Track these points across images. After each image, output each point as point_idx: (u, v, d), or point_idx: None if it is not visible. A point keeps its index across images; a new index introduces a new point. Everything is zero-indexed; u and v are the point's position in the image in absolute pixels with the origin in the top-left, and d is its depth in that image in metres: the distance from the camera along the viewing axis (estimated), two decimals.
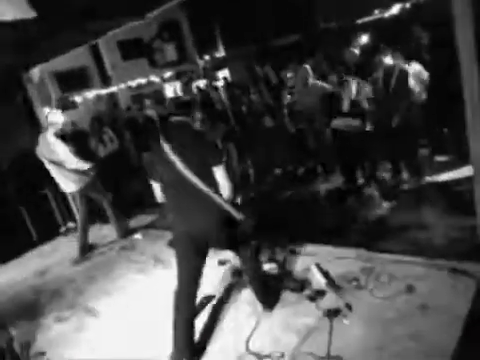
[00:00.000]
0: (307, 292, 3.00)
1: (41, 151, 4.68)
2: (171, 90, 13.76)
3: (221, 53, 14.43)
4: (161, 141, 2.52)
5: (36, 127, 6.03)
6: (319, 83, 5.61)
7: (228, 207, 2.54)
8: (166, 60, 13.81)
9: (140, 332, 3.10)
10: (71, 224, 6.31)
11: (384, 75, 4.65)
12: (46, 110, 5.52)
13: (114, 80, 12.34)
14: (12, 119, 5.88)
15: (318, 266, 3.23)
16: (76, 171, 4.67)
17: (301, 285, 3.08)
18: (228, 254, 3.59)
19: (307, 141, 5.77)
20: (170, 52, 13.38)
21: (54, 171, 4.76)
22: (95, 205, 5.12)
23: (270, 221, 4.18)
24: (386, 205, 4.35)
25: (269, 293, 3.00)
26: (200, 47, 14.72)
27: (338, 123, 4.62)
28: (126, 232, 5.29)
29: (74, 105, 11.13)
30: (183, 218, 2.65)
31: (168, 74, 13.12)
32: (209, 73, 13.34)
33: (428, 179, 4.69)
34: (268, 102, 5.88)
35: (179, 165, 2.43)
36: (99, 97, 11.97)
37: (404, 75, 4.55)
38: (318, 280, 3.06)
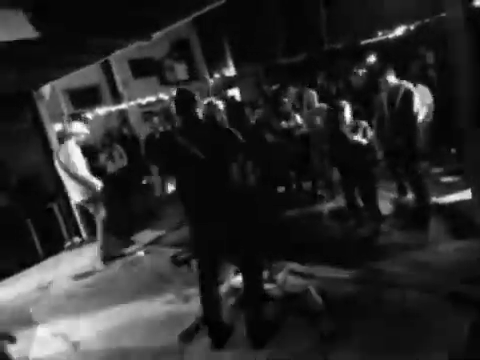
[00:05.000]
0: (305, 314, 2.94)
1: (59, 158, 4.85)
2: None
3: (231, 71, 14.62)
4: (179, 137, 2.65)
5: (46, 143, 6.17)
6: (325, 106, 5.65)
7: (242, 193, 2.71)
8: (176, 78, 14.06)
9: (138, 350, 3.07)
10: (77, 239, 6.36)
11: (389, 95, 4.62)
12: (58, 125, 5.64)
13: (125, 97, 12.58)
14: (23, 135, 6.01)
15: (316, 287, 3.18)
16: (84, 183, 4.79)
17: (298, 307, 3.03)
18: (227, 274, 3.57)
19: (312, 163, 5.78)
20: (180, 71, 13.62)
21: (65, 179, 4.93)
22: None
23: (270, 240, 4.15)
24: (380, 227, 4.30)
25: (262, 327, 2.84)
26: (210, 65, 14.95)
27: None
28: (108, 258, 5.09)
29: (85, 121, 11.34)
30: (198, 213, 2.76)
31: None
32: (219, 91, 13.50)
33: (433, 200, 4.62)
34: (271, 120, 5.90)
35: (195, 157, 2.56)
36: (110, 114, 12.17)
37: (409, 96, 4.50)
38: (316, 302, 3.01)
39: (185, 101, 2.72)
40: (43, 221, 6.01)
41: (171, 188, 2.97)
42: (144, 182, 3.08)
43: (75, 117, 12.52)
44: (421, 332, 2.47)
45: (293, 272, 3.59)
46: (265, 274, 3.53)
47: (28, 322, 3.92)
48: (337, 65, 8.34)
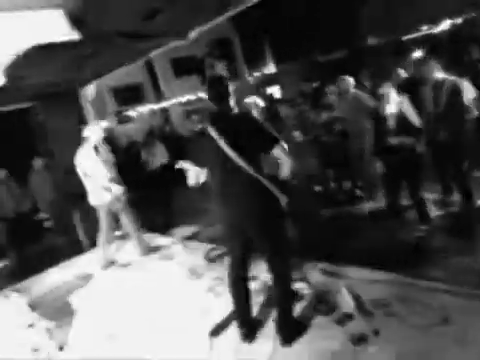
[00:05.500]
0: (335, 315, 2.89)
1: (77, 159, 4.83)
2: None
3: (271, 69, 14.58)
4: (209, 127, 2.62)
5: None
6: (362, 94, 5.42)
7: (271, 186, 2.60)
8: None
9: (169, 343, 3.15)
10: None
11: (434, 88, 4.38)
12: (103, 123, 5.67)
13: (167, 96, 12.89)
14: (69, 132, 6.28)
15: (349, 289, 3.11)
16: (102, 187, 4.72)
17: (330, 307, 2.98)
18: (259, 269, 3.57)
19: (349, 159, 5.62)
20: (220, 69, 13.76)
21: (84, 180, 4.88)
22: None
23: (305, 240, 4.10)
24: (424, 228, 4.11)
25: (292, 325, 2.83)
26: (250, 64, 14.99)
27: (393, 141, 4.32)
28: (147, 250, 5.25)
29: (129, 119, 11.74)
30: (226, 205, 2.75)
31: None
32: (259, 90, 13.51)
33: (479, 203, 4.37)
34: (306, 117, 5.80)
35: (224, 148, 2.53)
36: (154, 112, 12.53)
37: (457, 90, 4.27)
38: (347, 303, 2.95)
39: (220, 87, 2.67)
40: (87, 213, 6.26)
41: (204, 178, 2.95)
42: (177, 166, 3.05)
43: (119, 115, 13.05)
44: (458, 340, 2.35)
45: (326, 272, 3.53)
46: (298, 273, 3.50)
47: (67, 312, 4.10)
48: (380, 62, 8.07)
